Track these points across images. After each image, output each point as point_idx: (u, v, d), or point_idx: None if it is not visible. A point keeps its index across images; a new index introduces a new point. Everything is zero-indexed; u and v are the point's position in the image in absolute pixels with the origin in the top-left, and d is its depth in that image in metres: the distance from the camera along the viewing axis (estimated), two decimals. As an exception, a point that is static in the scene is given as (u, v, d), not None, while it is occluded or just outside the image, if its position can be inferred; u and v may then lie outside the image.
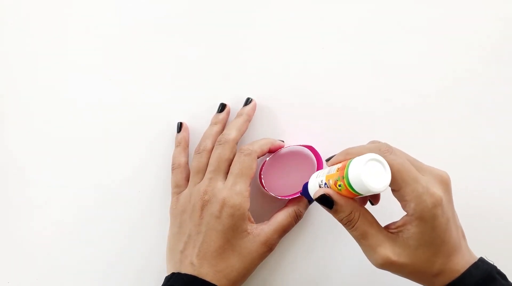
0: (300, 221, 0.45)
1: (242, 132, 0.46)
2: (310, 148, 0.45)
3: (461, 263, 0.36)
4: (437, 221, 0.34)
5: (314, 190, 0.38)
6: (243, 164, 0.42)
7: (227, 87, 0.48)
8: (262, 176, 0.44)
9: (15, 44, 0.50)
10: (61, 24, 0.50)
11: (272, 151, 0.45)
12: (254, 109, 0.47)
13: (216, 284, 0.39)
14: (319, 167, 0.45)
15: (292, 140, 0.47)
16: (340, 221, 0.36)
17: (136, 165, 0.48)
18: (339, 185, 0.34)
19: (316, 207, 0.47)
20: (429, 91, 0.48)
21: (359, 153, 0.34)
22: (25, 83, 0.49)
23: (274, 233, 0.43)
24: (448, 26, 0.49)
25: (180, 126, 0.47)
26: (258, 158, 0.43)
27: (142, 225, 0.47)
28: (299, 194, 0.44)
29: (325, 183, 0.36)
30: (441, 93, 0.48)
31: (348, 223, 0.36)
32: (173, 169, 0.46)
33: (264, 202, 0.47)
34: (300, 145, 0.45)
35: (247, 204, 0.41)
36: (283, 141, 0.46)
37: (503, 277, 0.37)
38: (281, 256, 0.47)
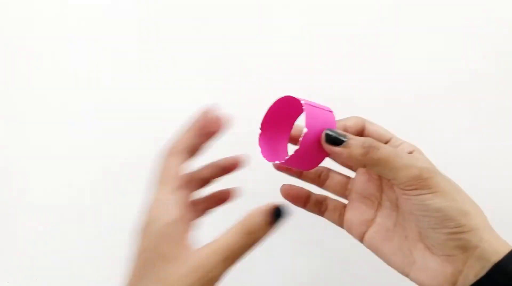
0: (295, 222, 0.45)
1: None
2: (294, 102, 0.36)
3: None
4: None
5: None
6: None
7: (227, 87, 0.48)
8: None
9: (14, 45, 0.50)
10: (61, 24, 0.50)
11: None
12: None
13: None
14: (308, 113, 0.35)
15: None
16: None
17: (136, 166, 0.48)
18: None
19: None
20: (429, 90, 0.48)
21: None
22: (25, 83, 0.49)
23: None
24: (448, 25, 0.49)
25: None
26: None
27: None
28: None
29: None
30: (441, 92, 0.48)
31: None
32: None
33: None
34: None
35: None
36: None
37: None
38: (279, 254, 0.47)
